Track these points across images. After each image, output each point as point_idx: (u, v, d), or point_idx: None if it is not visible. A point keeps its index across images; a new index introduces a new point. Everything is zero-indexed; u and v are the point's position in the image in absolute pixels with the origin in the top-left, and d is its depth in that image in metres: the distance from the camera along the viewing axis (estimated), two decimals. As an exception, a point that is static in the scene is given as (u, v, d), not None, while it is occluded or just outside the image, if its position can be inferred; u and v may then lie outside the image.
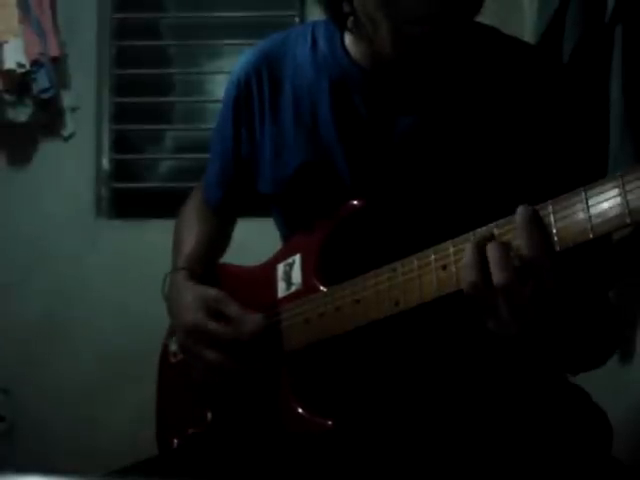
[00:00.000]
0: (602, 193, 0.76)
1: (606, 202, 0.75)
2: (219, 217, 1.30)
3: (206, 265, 1.24)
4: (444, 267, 0.89)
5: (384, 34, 0.96)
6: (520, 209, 0.81)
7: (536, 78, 1.03)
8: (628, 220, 0.73)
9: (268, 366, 1.09)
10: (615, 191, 0.74)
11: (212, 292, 1.13)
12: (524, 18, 2.21)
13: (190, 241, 1.26)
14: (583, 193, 0.77)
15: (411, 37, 0.95)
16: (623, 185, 0.74)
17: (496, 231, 0.84)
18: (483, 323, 0.86)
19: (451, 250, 0.88)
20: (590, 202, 0.76)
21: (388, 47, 0.97)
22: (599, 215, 0.76)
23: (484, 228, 0.85)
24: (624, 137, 1.47)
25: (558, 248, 0.79)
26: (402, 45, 0.96)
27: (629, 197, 0.73)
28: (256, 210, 1.24)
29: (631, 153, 1.46)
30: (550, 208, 0.79)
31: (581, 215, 0.77)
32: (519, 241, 0.81)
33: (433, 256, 0.90)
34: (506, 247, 0.82)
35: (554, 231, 0.79)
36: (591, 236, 0.76)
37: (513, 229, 0.82)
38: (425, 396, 1.06)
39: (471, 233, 0.86)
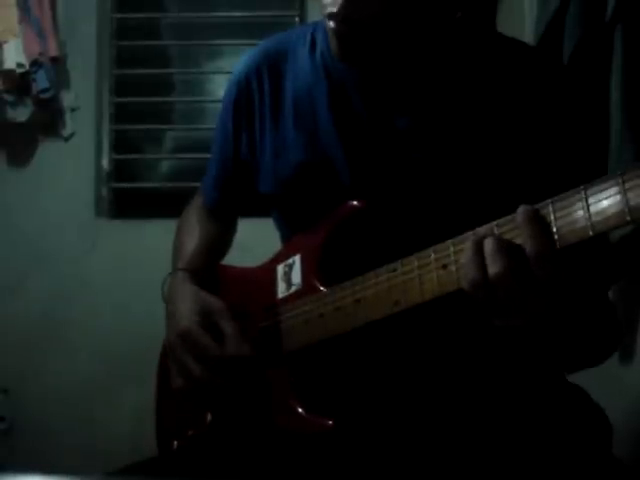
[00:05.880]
0: (602, 191, 0.76)
1: (606, 200, 0.75)
2: (217, 219, 1.30)
3: (206, 267, 1.23)
4: (444, 266, 0.89)
5: None
6: (521, 208, 0.82)
7: (536, 78, 1.03)
8: (628, 218, 0.74)
9: (268, 367, 1.09)
10: (615, 189, 0.75)
11: (214, 303, 1.12)
12: (524, 18, 2.20)
13: (190, 243, 1.26)
14: (583, 191, 0.77)
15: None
16: (623, 183, 0.74)
17: (496, 230, 0.85)
18: (487, 319, 0.87)
19: (451, 249, 0.88)
20: (590, 200, 0.77)
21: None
22: (599, 213, 0.76)
23: (484, 226, 0.86)
24: (624, 137, 1.47)
25: (558, 246, 0.79)
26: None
27: (629, 195, 0.73)
28: (256, 210, 1.24)
29: (631, 153, 1.45)
30: (550, 207, 0.80)
31: (581, 213, 0.77)
32: (520, 239, 0.82)
33: (433, 255, 0.90)
34: (500, 241, 0.82)
35: (554, 229, 0.79)
36: (591, 234, 0.76)
37: (514, 228, 0.83)
38: (425, 395, 1.06)
39: (471, 232, 0.87)
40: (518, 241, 0.82)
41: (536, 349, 1.00)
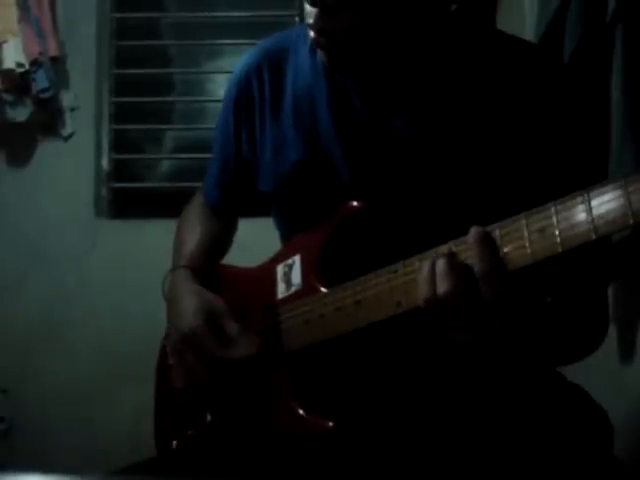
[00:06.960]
0: (605, 194, 0.76)
1: (609, 203, 0.75)
2: (219, 218, 1.30)
3: (207, 265, 1.23)
4: None
5: None
6: (472, 229, 0.85)
7: (537, 77, 1.03)
8: (631, 221, 0.73)
9: (268, 367, 1.08)
10: (618, 192, 0.74)
11: (217, 304, 1.11)
12: (524, 18, 2.20)
13: (191, 241, 1.26)
14: (585, 194, 0.77)
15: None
16: (626, 186, 0.74)
17: (454, 248, 0.87)
18: (441, 333, 0.89)
19: (453, 250, 0.88)
20: (592, 203, 0.76)
21: None
22: (602, 216, 0.76)
23: (444, 245, 0.88)
24: (625, 137, 1.47)
25: (561, 250, 0.79)
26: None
27: (632, 198, 0.73)
28: (256, 210, 1.24)
29: (632, 153, 1.45)
30: (552, 209, 0.80)
31: (583, 216, 0.77)
32: (471, 260, 0.84)
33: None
34: (451, 261, 0.85)
35: (556, 232, 0.79)
36: (594, 237, 0.76)
37: (467, 249, 0.85)
38: (426, 396, 1.06)
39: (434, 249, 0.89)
40: (469, 261, 0.84)
41: (502, 358, 1.02)
